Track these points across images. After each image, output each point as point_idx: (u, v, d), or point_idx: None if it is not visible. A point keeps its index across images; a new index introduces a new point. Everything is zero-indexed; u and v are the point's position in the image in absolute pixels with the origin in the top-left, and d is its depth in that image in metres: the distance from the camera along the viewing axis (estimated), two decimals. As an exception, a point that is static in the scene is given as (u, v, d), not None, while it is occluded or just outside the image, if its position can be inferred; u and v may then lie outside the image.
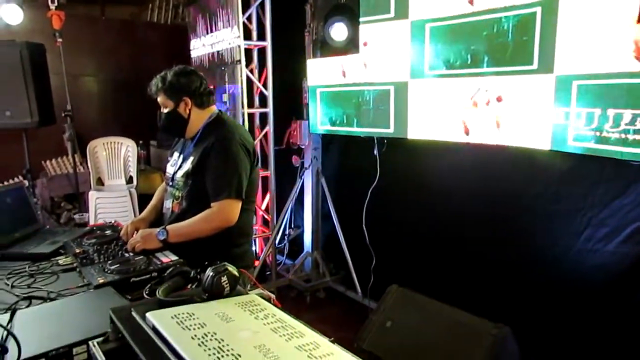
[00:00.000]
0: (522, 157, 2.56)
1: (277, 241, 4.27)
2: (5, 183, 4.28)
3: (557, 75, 2.22)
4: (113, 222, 2.40)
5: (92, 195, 4.61)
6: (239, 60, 3.61)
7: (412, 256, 3.23)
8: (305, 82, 3.80)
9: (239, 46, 3.63)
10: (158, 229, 2.00)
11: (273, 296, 1.33)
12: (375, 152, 3.37)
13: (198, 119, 2.14)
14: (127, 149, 4.93)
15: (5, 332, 0.92)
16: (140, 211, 2.60)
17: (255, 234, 4.24)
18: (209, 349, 0.90)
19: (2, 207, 2.19)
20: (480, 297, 2.71)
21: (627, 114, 1.93)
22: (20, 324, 0.86)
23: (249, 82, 3.96)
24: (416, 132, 2.98)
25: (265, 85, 3.99)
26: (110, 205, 4.60)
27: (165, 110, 2.13)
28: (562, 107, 2.21)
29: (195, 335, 0.96)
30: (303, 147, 3.98)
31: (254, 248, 4.17)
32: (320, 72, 3.62)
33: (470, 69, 2.60)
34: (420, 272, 3.11)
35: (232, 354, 0.88)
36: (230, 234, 2.04)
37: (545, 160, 2.46)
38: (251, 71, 4.04)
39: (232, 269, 1.26)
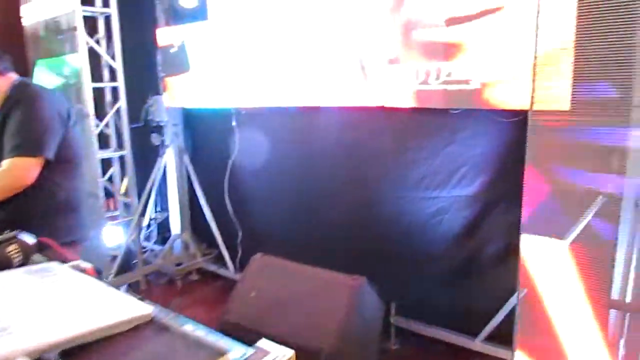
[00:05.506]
0: (370, 117, 2.67)
1: (142, 227, 4.01)
2: None
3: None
4: None
5: None
6: (76, 27, 3.25)
7: (275, 225, 3.24)
8: (159, 53, 3.58)
9: (74, 11, 3.28)
10: None
11: (89, 266, 1.20)
12: (234, 123, 3.30)
13: (1, 87, 1.89)
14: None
15: None
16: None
17: (118, 220, 3.93)
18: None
19: None
20: (341, 255, 2.79)
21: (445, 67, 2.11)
22: None
23: (96, 54, 3.62)
24: (268, 100, 2.98)
25: (113, 57, 3.67)
26: None
27: None
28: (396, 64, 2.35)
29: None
30: (162, 124, 3.76)
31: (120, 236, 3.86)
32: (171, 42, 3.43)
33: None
34: (284, 239, 3.14)
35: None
36: (49, 202, 1.85)
37: (390, 116, 2.60)
38: (97, 42, 3.68)
39: (26, 237, 1.11)
